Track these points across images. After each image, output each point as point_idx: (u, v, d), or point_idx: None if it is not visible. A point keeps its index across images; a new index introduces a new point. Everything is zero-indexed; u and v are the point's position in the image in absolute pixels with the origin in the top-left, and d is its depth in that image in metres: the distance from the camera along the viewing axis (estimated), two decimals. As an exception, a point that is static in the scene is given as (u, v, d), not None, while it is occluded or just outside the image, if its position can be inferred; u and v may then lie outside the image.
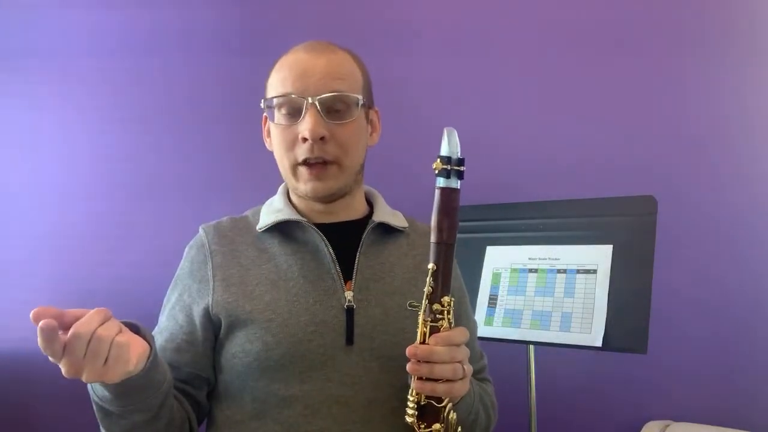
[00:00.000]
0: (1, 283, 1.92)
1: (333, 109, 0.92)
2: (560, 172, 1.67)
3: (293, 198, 1.01)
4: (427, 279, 0.81)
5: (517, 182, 1.69)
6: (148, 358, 0.76)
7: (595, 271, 1.30)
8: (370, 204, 1.05)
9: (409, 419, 0.80)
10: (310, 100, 0.90)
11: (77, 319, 0.67)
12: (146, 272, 1.74)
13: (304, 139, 0.90)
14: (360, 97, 0.94)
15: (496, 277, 1.42)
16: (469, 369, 0.83)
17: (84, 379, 0.69)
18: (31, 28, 1.95)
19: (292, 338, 0.88)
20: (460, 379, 0.80)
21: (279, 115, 0.93)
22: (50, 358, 0.67)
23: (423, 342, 0.80)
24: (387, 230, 1.00)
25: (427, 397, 0.80)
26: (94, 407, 0.80)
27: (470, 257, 1.46)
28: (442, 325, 0.80)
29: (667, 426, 1.49)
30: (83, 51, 1.93)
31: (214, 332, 0.93)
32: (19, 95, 1.95)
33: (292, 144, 0.92)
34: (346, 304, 0.91)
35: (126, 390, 0.75)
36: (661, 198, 1.28)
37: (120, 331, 0.71)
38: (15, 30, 1.95)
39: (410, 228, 1.04)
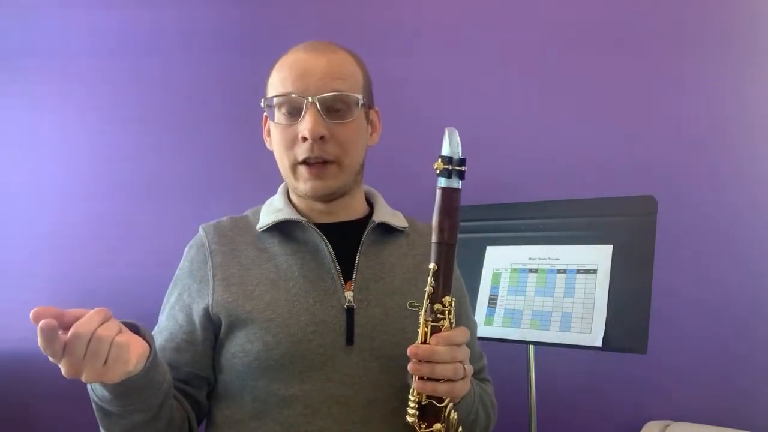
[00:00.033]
0: (1, 283, 1.92)
1: (333, 109, 0.92)
2: (560, 172, 1.67)
3: (293, 198, 1.01)
4: (429, 279, 0.81)
5: (517, 182, 1.69)
6: (148, 358, 0.75)
7: (595, 271, 1.30)
8: (370, 204, 1.05)
9: (410, 419, 0.80)
10: (310, 99, 0.90)
11: (77, 319, 0.67)
12: (146, 272, 1.74)
13: (304, 139, 0.90)
14: (360, 96, 0.94)
15: (496, 277, 1.42)
16: (470, 369, 0.83)
17: (84, 379, 0.69)
18: (31, 28, 1.95)
19: (292, 338, 0.88)
20: (461, 379, 0.80)
21: (279, 115, 0.93)
22: (50, 358, 0.67)
23: (424, 342, 0.80)
24: (387, 230, 1.00)
25: (428, 397, 0.80)
26: (94, 407, 0.80)
27: (470, 257, 1.46)
28: (443, 325, 0.80)
29: (667, 426, 1.49)
30: (83, 51, 1.93)
31: (214, 332, 0.93)
32: (19, 95, 1.95)
33: (292, 143, 0.92)
34: (346, 304, 0.91)
35: (126, 390, 0.75)
36: (661, 198, 1.28)
37: (120, 331, 0.71)
38: (15, 30, 1.95)
39: (410, 228, 1.04)
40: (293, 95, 0.91)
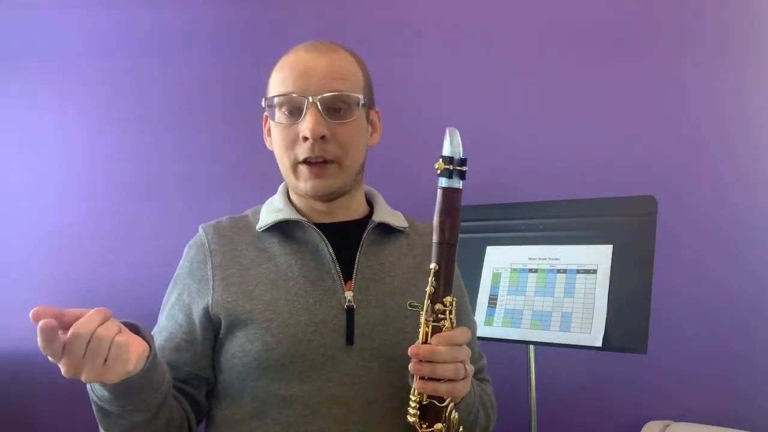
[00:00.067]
0: (1, 283, 1.92)
1: (334, 109, 0.92)
2: (560, 172, 1.67)
3: (293, 197, 1.01)
4: (429, 279, 0.81)
5: (517, 182, 1.69)
6: (148, 358, 0.75)
7: (595, 271, 1.30)
8: (370, 204, 1.05)
9: (411, 419, 0.80)
10: (310, 99, 0.90)
11: (77, 318, 0.67)
12: (146, 272, 1.74)
13: (305, 138, 0.90)
14: (361, 96, 0.94)
15: (496, 277, 1.42)
16: (470, 369, 0.83)
17: (83, 378, 0.69)
18: (31, 28, 1.95)
19: (292, 338, 0.88)
20: (462, 378, 0.80)
21: (280, 114, 0.93)
22: (50, 358, 0.67)
23: (425, 342, 0.80)
24: (387, 230, 1.00)
25: (428, 397, 0.80)
26: (94, 407, 0.80)
27: (470, 257, 1.46)
28: (443, 325, 0.80)
29: (667, 426, 1.49)
30: (83, 51, 1.93)
31: (213, 332, 0.93)
32: (19, 95, 1.95)
33: (292, 143, 0.92)
34: (346, 304, 0.91)
35: (125, 390, 0.75)
36: (661, 198, 1.28)
37: (119, 331, 0.71)
38: (15, 30, 1.95)
39: (410, 228, 1.04)
40: (294, 95, 0.91)
